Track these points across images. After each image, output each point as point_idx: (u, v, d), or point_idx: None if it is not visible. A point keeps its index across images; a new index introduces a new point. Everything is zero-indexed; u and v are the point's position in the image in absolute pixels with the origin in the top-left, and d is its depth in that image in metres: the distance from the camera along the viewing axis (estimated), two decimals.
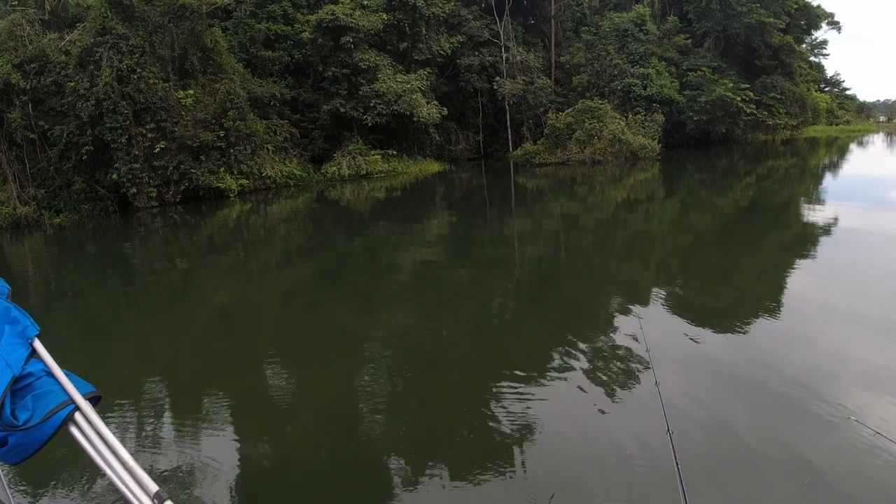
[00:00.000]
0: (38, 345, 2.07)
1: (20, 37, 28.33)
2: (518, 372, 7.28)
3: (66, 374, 2.00)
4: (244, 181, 30.04)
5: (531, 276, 12.80)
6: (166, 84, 28.45)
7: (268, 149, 31.87)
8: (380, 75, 35.08)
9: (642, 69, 41.45)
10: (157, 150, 27.51)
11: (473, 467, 5.32)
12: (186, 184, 28.64)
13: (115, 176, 27.37)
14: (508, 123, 43.02)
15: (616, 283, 11.59)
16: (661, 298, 9.98)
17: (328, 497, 5.26)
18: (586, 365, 7.33)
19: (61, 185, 28.46)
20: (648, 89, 40.70)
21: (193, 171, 28.43)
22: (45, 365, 2.03)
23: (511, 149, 42.70)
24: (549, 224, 19.40)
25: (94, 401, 1.96)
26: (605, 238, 16.56)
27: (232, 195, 29.22)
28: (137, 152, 27.40)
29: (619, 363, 7.36)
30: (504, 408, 6.39)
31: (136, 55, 27.40)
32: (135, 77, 27.13)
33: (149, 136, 27.48)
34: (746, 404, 6.00)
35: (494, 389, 6.83)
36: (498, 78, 41.26)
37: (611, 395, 6.51)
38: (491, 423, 6.11)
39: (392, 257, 15.52)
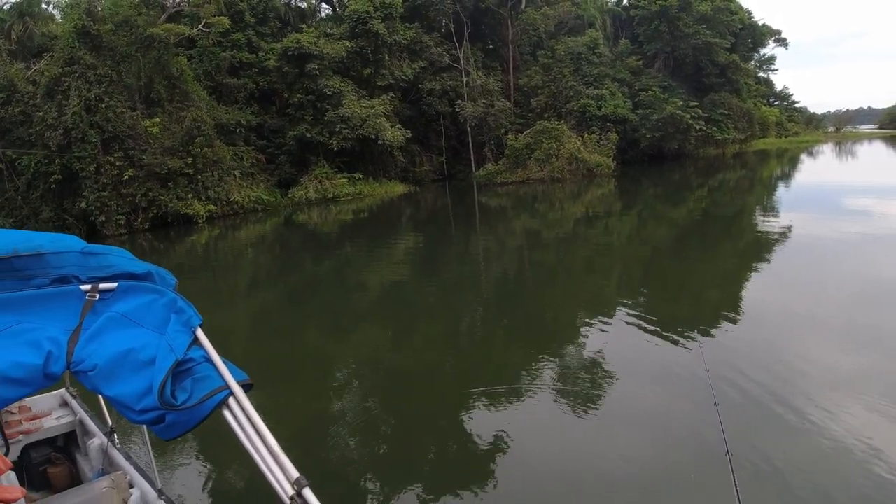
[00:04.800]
0: (200, 334, 2.30)
1: None
2: (490, 387, 7.41)
3: (224, 362, 2.23)
4: (212, 207, 30.38)
5: (497, 293, 13.33)
6: (134, 112, 28.79)
7: (235, 174, 32.27)
8: (344, 101, 35.82)
9: (597, 90, 43.15)
10: (126, 177, 27.75)
11: (449, 484, 5.39)
12: (155, 210, 28.90)
13: (83, 204, 27.50)
14: (470, 145, 44.11)
15: (580, 297, 12.07)
16: (623, 309, 10.30)
17: None
18: (556, 379, 7.56)
19: (29, 214, 28.54)
20: (603, 109, 42.39)
21: (162, 197, 28.70)
22: (206, 352, 2.25)
23: (474, 169, 43.78)
24: (512, 241, 20.23)
25: (247, 388, 2.17)
26: (567, 252, 17.42)
27: (200, 221, 29.52)
28: (106, 180, 27.60)
29: (586, 376, 7.54)
30: (475, 422, 6.54)
31: (104, 84, 27.71)
32: (103, 106, 27.43)
33: (117, 164, 27.71)
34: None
35: (466, 403, 7.02)
36: (459, 101, 42.39)
37: (577, 411, 6.65)
38: (464, 439, 6.23)
39: (360, 278, 15.94)
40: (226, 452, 6.26)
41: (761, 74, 67.76)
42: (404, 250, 20.02)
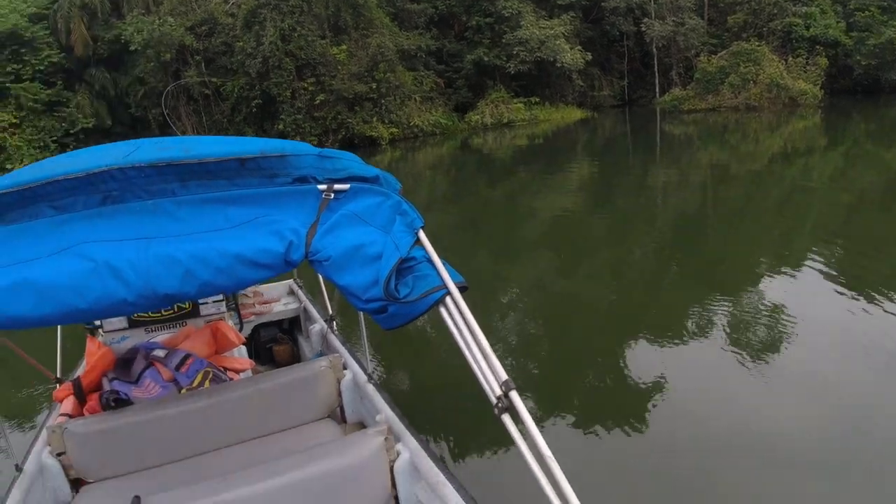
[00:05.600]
0: (421, 235, 2.50)
1: (190, 2, 31.37)
2: (653, 327, 7.24)
3: (443, 263, 2.38)
4: (394, 130, 31.71)
5: (673, 229, 12.76)
6: (323, 41, 30.41)
7: (415, 99, 33.18)
8: (523, 22, 34.96)
9: (805, 7, 37.89)
10: (318, 101, 29.78)
11: (600, 418, 5.33)
12: (343, 132, 30.86)
13: (280, 126, 30.02)
14: (655, 68, 41.33)
15: (765, 243, 11.10)
16: (815, 262, 9.19)
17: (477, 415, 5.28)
18: (725, 329, 7.06)
19: (234, 135, 31.62)
20: (811, 30, 37.23)
21: (349, 121, 30.50)
22: (426, 253, 2.43)
23: (657, 95, 41.11)
24: (696, 174, 19.02)
25: (462, 290, 2.31)
26: (757, 191, 16.03)
27: (383, 143, 31.02)
28: (300, 104, 29.82)
29: (760, 333, 6.93)
30: (633, 361, 6.41)
31: (296, 15, 29.44)
32: (296, 35, 29.25)
33: (309, 89, 29.75)
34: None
35: (627, 341, 6.93)
36: (646, 19, 39.57)
37: (746, 368, 6.15)
38: (621, 376, 6.15)
39: (532, 204, 15.95)
40: (432, 349, 6.97)
41: None
42: (578, 179, 19.65)
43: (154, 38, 29.98)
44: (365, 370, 3.93)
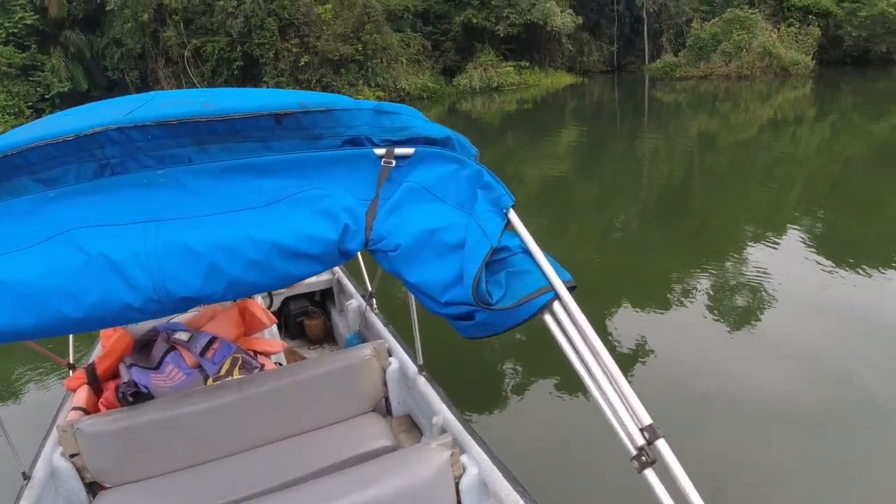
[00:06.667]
0: (513, 216, 1.92)
1: None
2: (637, 292, 7.26)
3: (545, 256, 1.85)
4: (381, 94, 31.13)
5: (659, 196, 12.69)
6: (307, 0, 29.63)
7: (402, 62, 32.59)
8: None
9: None
10: (302, 63, 29.14)
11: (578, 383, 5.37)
12: None
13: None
14: (646, 34, 40.82)
15: (750, 210, 11.17)
16: (798, 230, 9.44)
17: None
18: (709, 294, 7.16)
19: None
20: None
21: (335, 83, 29.87)
22: (522, 241, 1.88)
23: (647, 61, 40.68)
24: (685, 142, 18.85)
25: (570, 290, 1.79)
26: (745, 160, 15.97)
27: None
28: (284, 66, 29.16)
29: (744, 298, 7.03)
30: (617, 326, 6.38)
31: None
32: None
33: (293, 50, 29.09)
34: (882, 355, 5.51)
35: (611, 306, 6.86)
36: None
37: (729, 332, 6.26)
38: (606, 339, 6.12)
39: (519, 170, 15.70)
40: (510, 346, 5.97)
41: None
42: (566, 145, 19.47)
43: None
44: (415, 360, 3.46)
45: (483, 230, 1.80)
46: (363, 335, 4.42)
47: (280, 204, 1.83)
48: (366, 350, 3.37)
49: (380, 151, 1.96)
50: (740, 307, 6.86)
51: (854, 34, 36.97)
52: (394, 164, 1.95)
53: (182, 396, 3.09)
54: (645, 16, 39.89)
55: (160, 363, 3.41)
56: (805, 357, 5.59)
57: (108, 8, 30.08)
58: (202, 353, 3.46)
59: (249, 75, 29.99)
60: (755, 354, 5.83)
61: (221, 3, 28.82)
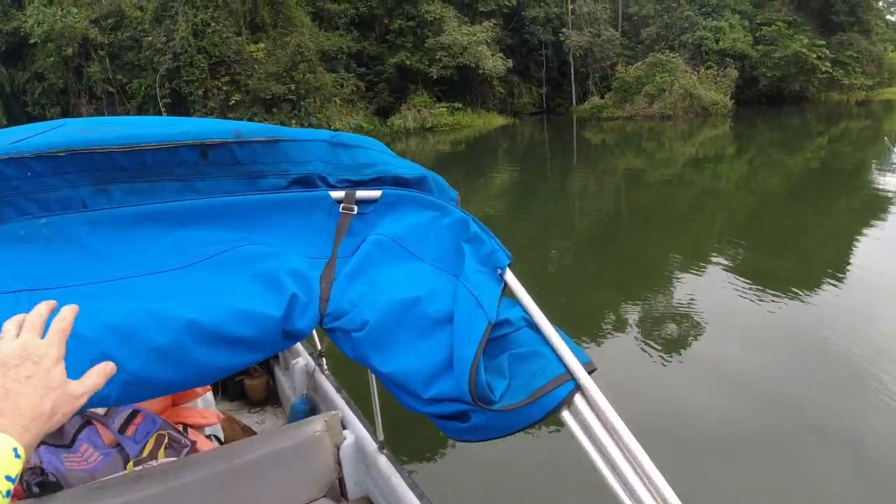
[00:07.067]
0: (511, 278, 1.50)
1: None
2: (574, 324, 7.32)
3: (557, 331, 1.39)
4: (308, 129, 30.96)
5: (590, 232, 12.96)
6: (239, 38, 29.43)
7: (335, 101, 32.61)
8: (445, 27, 35.05)
9: (715, 22, 39.93)
10: (233, 101, 28.71)
11: None
12: None
13: None
14: (573, 77, 42.36)
15: (676, 243, 11.52)
16: (721, 260, 9.87)
17: None
18: (640, 325, 7.31)
19: None
20: (721, 43, 39.22)
21: (267, 122, 29.45)
22: (525, 311, 1.44)
23: (574, 103, 42.16)
24: (612, 179, 19.44)
25: (590, 373, 1.35)
26: (670, 196, 16.54)
27: None
28: (213, 104, 28.64)
29: (673, 326, 7.26)
30: None
31: (210, 10, 28.38)
32: (209, 31, 28.16)
33: (224, 88, 28.68)
34: (806, 375, 5.80)
35: None
36: (564, 30, 40.52)
37: (668, 355, 6.46)
38: None
39: None
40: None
41: (889, 17, 60.53)
42: (499, 184, 19.71)
43: (56, 30, 28.14)
44: (374, 434, 2.96)
45: (476, 298, 1.35)
46: (312, 400, 3.88)
47: (202, 266, 1.37)
48: (316, 425, 2.87)
49: (337, 195, 1.55)
50: (670, 335, 7.05)
51: (769, 74, 39.65)
52: (355, 212, 1.54)
53: (96, 487, 2.57)
54: (571, 60, 41.42)
55: (73, 440, 2.92)
56: (733, 380, 5.75)
57: (31, 41, 29.02)
58: (122, 430, 2.95)
59: (177, 113, 29.26)
60: (686, 379, 5.98)
61: (150, 38, 28.25)
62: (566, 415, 1.29)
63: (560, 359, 1.33)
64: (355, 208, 1.53)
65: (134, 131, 1.45)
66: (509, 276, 1.48)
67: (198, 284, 1.33)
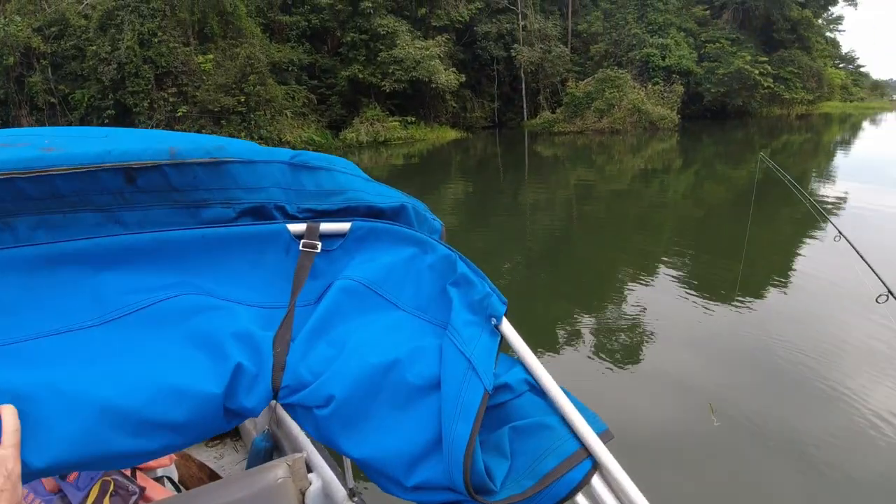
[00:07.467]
0: (508, 329, 1.25)
1: (39, 0, 28.74)
2: (527, 335, 7.47)
3: (565, 392, 1.17)
4: (264, 147, 30.45)
5: (542, 245, 12.97)
6: (187, 48, 28.82)
7: (287, 114, 32.20)
8: (398, 41, 35.04)
9: (661, 39, 41.12)
10: (179, 113, 28.03)
11: None
12: None
13: None
14: (524, 92, 42.91)
15: (626, 254, 11.69)
16: (669, 270, 10.06)
17: None
18: (592, 335, 7.39)
19: None
20: (667, 60, 40.42)
21: (215, 135, 28.87)
22: (527, 370, 1.21)
23: (526, 117, 42.67)
24: (564, 192, 19.66)
25: (604, 440, 1.11)
26: (619, 208, 16.81)
27: None
28: (160, 116, 27.91)
29: (623, 334, 7.39)
30: None
31: (158, 19, 27.74)
32: (156, 41, 27.49)
33: (170, 100, 27.99)
34: (752, 381, 5.94)
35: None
36: (515, 46, 41.03)
37: (620, 365, 6.57)
38: None
39: None
40: None
41: (828, 34, 63.80)
42: (453, 198, 19.67)
43: None
44: (343, 479, 2.61)
45: (468, 359, 1.09)
46: (274, 436, 3.56)
47: (125, 322, 1.09)
48: (278, 471, 2.54)
49: (297, 228, 1.27)
50: (622, 344, 7.13)
51: (713, 90, 41.08)
52: (319, 249, 1.27)
53: None
54: (523, 75, 41.95)
55: None
56: (684, 386, 5.85)
57: None
58: (63, 476, 2.66)
59: (122, 125, 28.38)
60: (638, 387, 6.05)
61: (94, 48, 27.37)
62: (580, 499, 1.05)
63: (572, 430, 1.09)
64: (319, 245, 1.27)
65: (44, 153, 1.12)
66: (506, 327, 1.24)
67: (118, 348, 1.05)
